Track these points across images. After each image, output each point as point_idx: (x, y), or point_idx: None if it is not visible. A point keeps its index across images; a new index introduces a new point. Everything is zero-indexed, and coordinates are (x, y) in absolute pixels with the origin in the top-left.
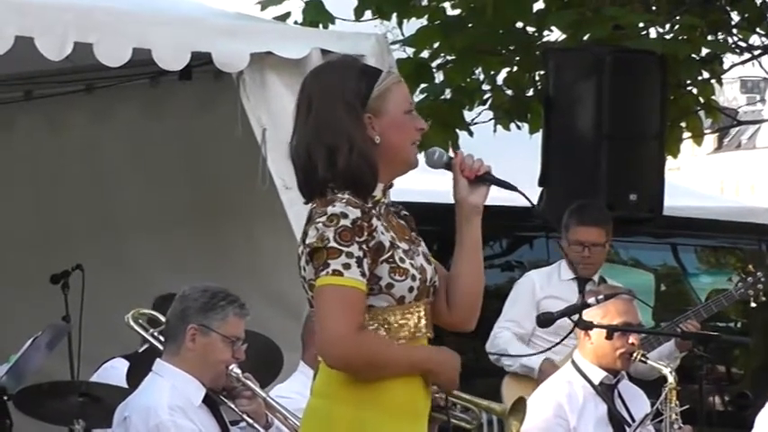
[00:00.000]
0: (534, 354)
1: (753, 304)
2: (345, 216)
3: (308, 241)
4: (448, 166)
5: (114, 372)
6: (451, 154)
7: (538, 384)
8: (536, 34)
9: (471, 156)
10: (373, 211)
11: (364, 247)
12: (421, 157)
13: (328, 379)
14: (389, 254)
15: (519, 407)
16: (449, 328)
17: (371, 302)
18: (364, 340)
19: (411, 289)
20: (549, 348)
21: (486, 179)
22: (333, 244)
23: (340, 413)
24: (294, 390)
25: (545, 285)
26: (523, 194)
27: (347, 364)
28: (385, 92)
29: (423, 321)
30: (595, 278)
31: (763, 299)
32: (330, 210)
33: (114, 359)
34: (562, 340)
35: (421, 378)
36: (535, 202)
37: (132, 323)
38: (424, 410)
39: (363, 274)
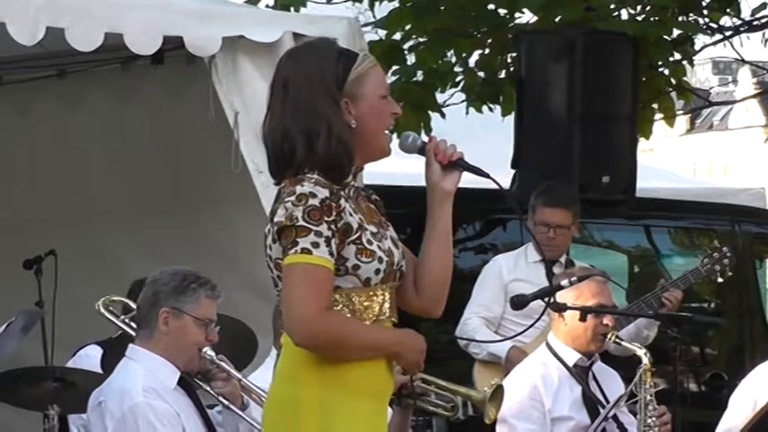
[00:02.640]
0: (500, 340)
1: (719, 280)
2: (314, 195)
3: (276, 219)
4: (421, 150)
5: (88, 359)
6: (425, 138)
7: (506, 371)
8: (508, 16)
9: (445, 141)
10: (342, 193)
11: (332, 227)
12: (395, 140)
13: (293, 361)
14: (357, 235)
15: (497, 394)
16: (416, 313)
17: (337, 283)
18: (332, 319)
19: (377, 271)
20: (521, 333)
21: (458, 165)
22: (302, 223)
23: (305, 397)
24: (268, 379)
25: (512, 269)
26: (495, 181)
27: (314, 343)
28: (362, 76)
29: (387, 304)
30: (562, 260)
31: (730, 274)
32: (299, 189)
33: (88, 346)
34: (532, 324)
35: (385, 360)
36: (508, 185)
37: (103, 310)
38: (386, 393)
39: (331, 254)
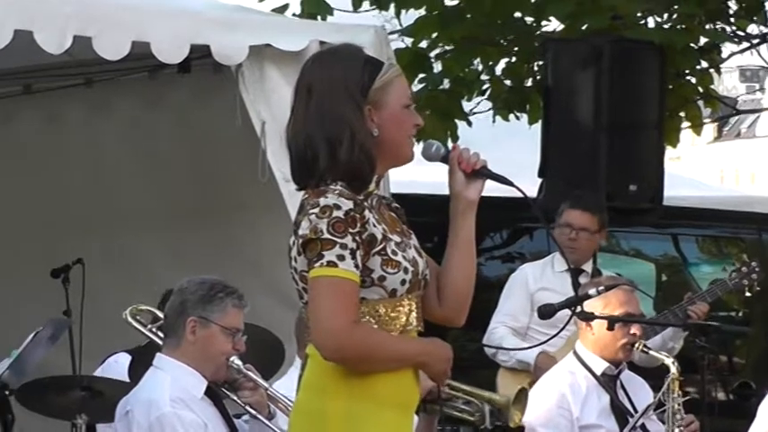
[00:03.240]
0: (529, 347)
1: (747, 294)
2: (338, 207)
3: (300, 232)
4: (445, 159)
5: (117, 366)
6: (448, 147)
7: (535, 378)
8: (534, 24)
9: (468, 149)
10: (365, 203)
11: (357, 238)
12: (419, 149)
13: (320, 372)
14: (381, 246)
15: (521, 397)
16: (439, 322)
17: (363, 295)
18: (360, 332)
19: (403, 282)
20: (545, 341)
21: (482, 173)
22: (327, 235)
23: (331, 409)
24: (292, 387)
25: (539, 278)
26: (519, 189)
27: (342, 356)
28: (386, 84)
29: (413, 314)
30: (588, 269)
31: (758, 289)
32: (323, 201)
33: (118, 353)
34: (558, 332)
35: (411, 370)
36: (534, 194)
37: (130, 319)
38: (413, 403)
39: (357, 266)
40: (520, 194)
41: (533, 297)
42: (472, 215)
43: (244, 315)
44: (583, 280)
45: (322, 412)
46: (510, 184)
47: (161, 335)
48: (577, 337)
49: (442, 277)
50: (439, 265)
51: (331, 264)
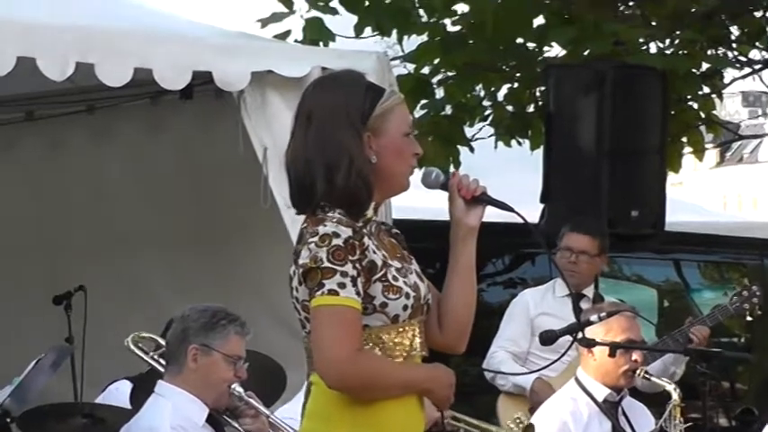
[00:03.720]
0: (526, 373)
1: (748, 318)
2: (337, 235)
3: (300, 262)
4: (444, 186)
5: (118, 393)
6: (449, 173)
7: (531, 404)
8: (536, 50)
9: (467, 176)
10: (364, 230)
11: (357, 266)
12: (418, 174)
13: (324, 400)
14: (382, 272)
15: None
16: (440, 349)
17: (366, 322)
18: (363, 361)
19: (405, 307)
20: (545, 367)
21: (482, 200)
22: (327, 264)
23: None
24: (298, 411)
25: (539, 303)
26: (519, 214)
27: (346, 384)
28: (387, 112)
29: (417, 340)
30: (590, 294)
31: (759, 313)
32: (321, 230)
33: (119, 381)
34: (559, 358)
35: (416, 397)
36: (536, 220)
37: (132, 346)
38: (418, 429)
39: (358, 293)
40: (521, 220)
41: (533, 322)
42: (473, 242)
43: (246, 342)
44: (584, 305)
45: None
46: (510, 209)
47: (163, 362)
48: (578, 362)
49: (442, 304)
50: (440, 292)
51: (332, 292)
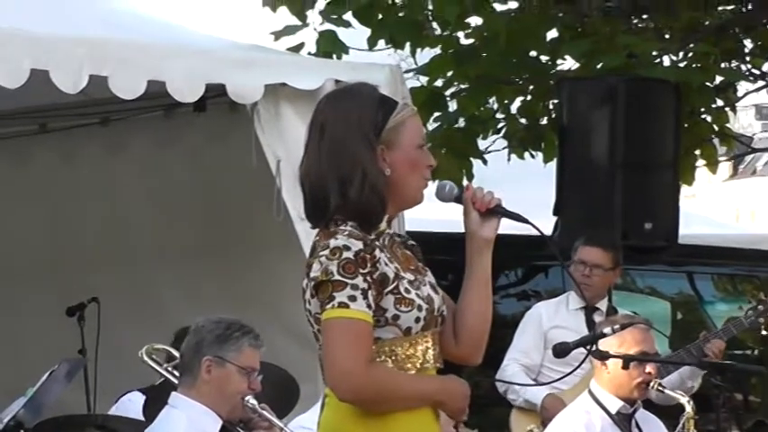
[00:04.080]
0: (538, 384)
1: (764, 332)
2: (348, 249)
3: (312, 275)
4: (458, 199)
5: (132, 405)
6: (465, 184)
7: (542, 419)
8: (550, 63)
9: (482, 188)
10: (376, 243)
11: (368, 278)
12: (432, 187)
13: (337, 413)
14: (394, 285)
15: None
16: (456, 361)
17: (378, 334)
18: (374, 373)
19: (417, 319)
20: (557, 380)
21: (497, 212)
22: (337, 277)
23: None
24: (316, 420)
25: (552, 316)
26: (535, 226)
27: (358, 397)
28: (400, 124)
29: (430, 352)
30: (603, 308)
31: None
32: (332, 243)
33: (131, 392)
34: (573, 371)
35: (430, 409)
36: (549, 232)
37: (146, 358)
38: None
39: (369, 306)
40: (535, 232)
41: (547, 335)
42: (488, 254)
43: (260, 355)
44: (597, 318)
45: None
46: (525, 221)
47: (176, 374)
48: (591, 375)
49: (458, 316)
50: (454, 303)
51: (342, 305)
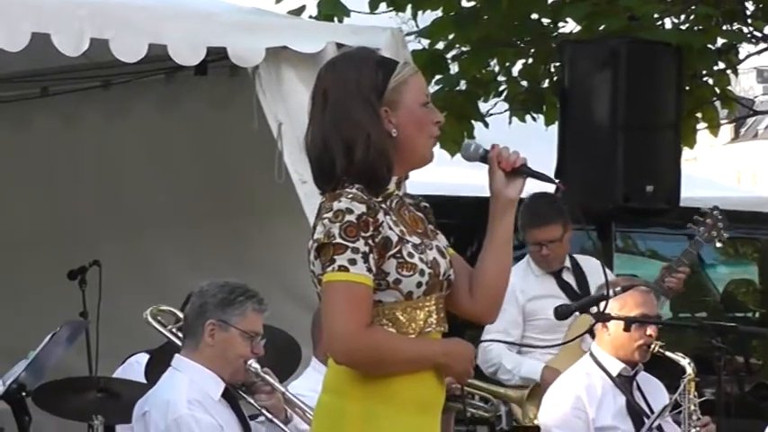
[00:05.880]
0: (523, 346)
1: (719, 245)
2: (351, 212)
3: (315, 236)
4: (484, 158)
5: (138, 366)
6: (488, 147)
7: (542, 393)
8: (551, 26)
9: (507, 148)
10: (382, 206)
11: (370, 242)
12: (438, 149)
13: (338, 374)
14: (397, 249)
15: (536, 393)
16: (469, 317)
17: (379, 298)
18: (372, 336)
19: (419, 284)
20: (554, 346)
21: (522, 171)
22: (339, 240)
23: (350, 409)
24: (308, 387)
25: (525, 288)
26: (559, 186)
27: (355, 360)
28: (401, 84)
29: (433, 316)
30: (569, 264)
31: (726, 236)
32: (336, 205)
33: (138, 354)
34: (582, 335)
35: (433, 371)
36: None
37: (151, 320)
38: (436, 403)
39: (370, 270)
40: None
41: (525, 308)
42: (512, 213)
43: (263, 319)
44: (566, 277)
45: (341, 413)
46: (551, 180)
47: (181, 336)
48: (576, 342)
49: (477, 273)
50: (465, 262)
51: (342, 268)
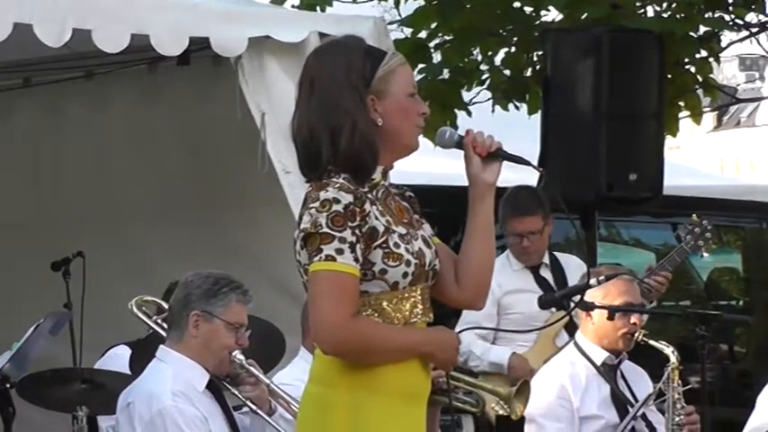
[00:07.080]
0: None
1: (704, 255)
2: (338, 201)
3: (302, 226)
4: (459, 144)
5: (118, 359)
6: (461, 132)
7: (510, 380)
8: (534, 14)
9: (482, 133)
10: (369, 196)
11: (357, 232)
12: (420, 139)
13: (324, 364)
14: (383, 239)
15: (523, 389)
16: (457, 305)
17: (365, 288)
18: (358, 326)
19: (405, 275)
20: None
21: (498, 155)
22: (325, 229)
23: (336, 399)
24: (295, 376)
25: (502, 282)
26: (537, 168)
27: (341, 350)
28: (389, 73)
29: (419, 306)
30: (547, 260)
31: (714, 246)
32: (323, 195)
33: (118, 346)
34: (560, 320)
35: (418, 360)
36: (534, 183)
37: (135, 310)
38: (421, 393)
39: (356, 260)
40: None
41: (500, 302)
42: (491, 199)
43: (248, 310)
44: (544, 274)
45: (327, 403)
46: (527, 163)
47: (165, 326)
48: (551, 333)
49: (461, 261)
50: (451, 251)
51: (329, 258)
